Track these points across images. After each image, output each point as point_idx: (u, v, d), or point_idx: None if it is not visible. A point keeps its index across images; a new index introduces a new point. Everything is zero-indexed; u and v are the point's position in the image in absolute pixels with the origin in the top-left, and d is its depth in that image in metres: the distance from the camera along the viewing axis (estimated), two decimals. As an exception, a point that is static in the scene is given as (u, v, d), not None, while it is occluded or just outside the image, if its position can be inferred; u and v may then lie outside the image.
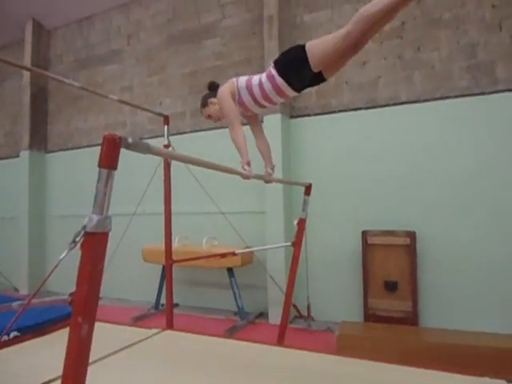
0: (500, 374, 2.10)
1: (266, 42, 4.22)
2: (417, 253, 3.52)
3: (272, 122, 4.09)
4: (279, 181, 2.89)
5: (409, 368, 2.26)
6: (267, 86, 2.02)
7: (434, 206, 3.61)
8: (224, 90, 2.16)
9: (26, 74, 5.87)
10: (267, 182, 2.41)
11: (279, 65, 1.96)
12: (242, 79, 2.18)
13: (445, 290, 3.53)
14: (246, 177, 2.06)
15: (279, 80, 1.96)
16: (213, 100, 2.27)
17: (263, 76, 2.05)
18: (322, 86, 4.15)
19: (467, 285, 3.45)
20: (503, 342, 2.68)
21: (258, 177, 2.23)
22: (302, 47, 1.83)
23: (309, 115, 4.22)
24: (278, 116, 4.06)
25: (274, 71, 1.97)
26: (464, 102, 3.56)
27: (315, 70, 1.85)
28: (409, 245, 3.49)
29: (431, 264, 3.58)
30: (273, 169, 2.40)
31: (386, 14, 1.59)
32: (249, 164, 2.08)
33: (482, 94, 3.50)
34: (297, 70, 1.89)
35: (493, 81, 3.48)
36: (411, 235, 3.50)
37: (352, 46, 1.72)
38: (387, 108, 3.87)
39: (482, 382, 2.03)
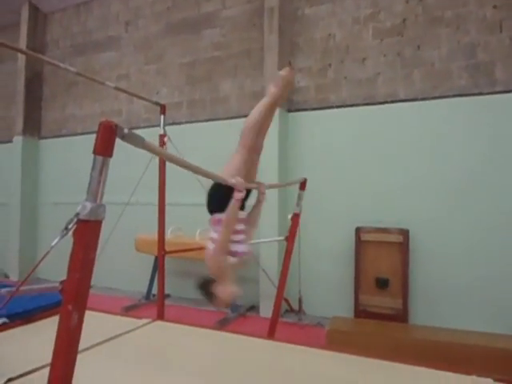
0: (487, 372, 2.12)
1: (266, 35, 4.18)
2: (409, 250, 3.54)
3: (269, 116, 4.06)
4: (272, 186, 2.67)
5: (397, 364, 2.27)
6: None
7: (428, 204, 3.62)
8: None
9: (21, 58, 5.77)
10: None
11: None
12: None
13: (435, 288, 3.56)
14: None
15: None
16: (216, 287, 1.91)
17: None
18: (321, 80, 4.16)
19: (457, 284, 3.48)
20: (491, 341, 2.72)
21: (251, 187, 2.03)
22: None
23: (307, 110, 4.20)
24: (276, 109, 4.03)
25: None
26: (462, 102, 3.56)
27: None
28: (401, 242, 3.51)
29: (423, 262, 3.60)
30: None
31: (264, 121, 1.95)
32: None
33: (481, 94, 3.50)
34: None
35: (491, 81, 3.48)
36: (404, 233, 3.52)
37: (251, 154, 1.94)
38: (385, 105, 3.86)
39: (469, 380, 2.04)
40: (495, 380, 2.03)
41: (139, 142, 1.09)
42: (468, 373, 2.11)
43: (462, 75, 3.58)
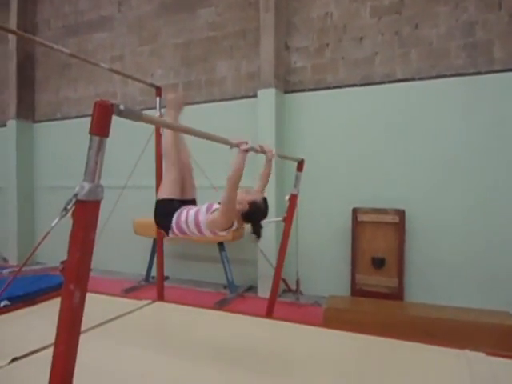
0: (480, 347, 2.18)
1: (262, 14, 4.10)
2: (405, 230, 3.58)
3: (266, 97, 4.03)
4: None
5: (392, 340, 2.33)
6: None
7: (424, 185, 3.64)
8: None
9: (12, 40, 5.64)
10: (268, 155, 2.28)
11: None
12: None
13: (430, 266, 3.61)
14: (244, 150, 1.86)
15: None
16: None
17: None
18: (318, 60, 4.11)
19: (451, 262, 3.53)
20: (483, 317, 2.78)
21: (255, 150, 2.08)
22: None
23: (303, 90, 4.16)
24: (273, 90, 4.00)
25: None
26: (460, 82, 3.54)
27: None
28: (397, 223, 3.55)
29: (418, 241, 3.65)
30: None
31: (175, 137, 2.11)
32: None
33: (478, 73, 3.48)
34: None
35: (489, 60, 3.45)
36: (400, 213, 3.55)
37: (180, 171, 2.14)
38: (383, 85, 3.83)
39: (462, 354, 2.10)
40: (487, 354, 2.09)
41: (137, 116, 1.09)
42: (461, 347, 2.17)
43: (460, 54, 3.55)
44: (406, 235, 3.61)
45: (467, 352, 2.12)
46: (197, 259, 4.71)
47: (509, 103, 3.38)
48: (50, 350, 1.09)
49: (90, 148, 1.00)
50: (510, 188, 3.36)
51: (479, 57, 3.48)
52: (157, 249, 3.40)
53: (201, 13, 4.68)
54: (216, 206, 1.95)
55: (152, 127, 3.18)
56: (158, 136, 3.24)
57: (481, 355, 2.09)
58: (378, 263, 3.60)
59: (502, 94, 3.40)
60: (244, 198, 1.94)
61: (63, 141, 5.62)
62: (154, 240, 4.09)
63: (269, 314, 2.99)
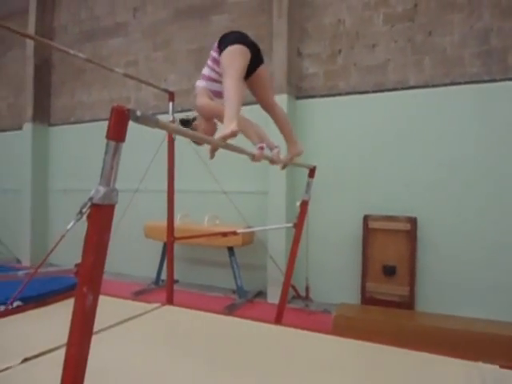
0: (493, 359, 2.14)
1: (275, 20, 4.13)
2: (417, 238, 3.54)
3: (278, 102, 4.04)
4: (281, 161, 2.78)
5: (402, 350, 2.30)
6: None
7: (437, 192, 3.60)
8: (198, 102, 2.15)
9: (30, 45, 5.77)
10: (273, 163, 2.36)
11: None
12: (199, 80, 2.25)
13: (442, 275, 3.56)
14: (257, 159, 1.92)
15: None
16: (196, 123, 2.19)
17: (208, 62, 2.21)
18: (330, 67, 4.11)
19: (464, 271, 3.48)
20: (497, 328, 2.73)
21: (269, 158, 2.17)
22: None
23: (315, 97, 4.16)
24: (285, 96, 4.01)
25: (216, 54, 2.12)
26: (474, 89, 3.51)
27: None
28: (409, 230, 3.51)
29: (430, 250, 3.60)
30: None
31: None
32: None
33: (493, 81, 3.44)
34: None
35: (504, 68, 3.41)
36: (412, 221, 3.52)
37: None
38: (395, 92, 3.81)
39: (476, 366, 2.06)
40: (501, 367, 2.05)
41: (153, 123, 1.11)
42: (475, 359, 2.12)
43: (475, 62, 3.52)
44: (418, 243, 3.57)
45: (480, 364, 2.08)
46: (206, 264, 4.72)
47: (524, 111, 3.34)
48: (61, 351, 1.10)
49: (106, 152, 1.02)
50: (525, 197, 3.31)
51: (494, 64, 3.45)
52: (167, 252, 3.42)
53: (214, 19, 4.73)
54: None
55: (164, 132, 3.21)
56: (171, 141, 3.27)
57: (495, 367, 2.04)
58: (389, 271, 3.57)
59: (517, 102, 3.36)
60: None
61: (77, 144, 5.70)
62: (165, 244, 4.11)
63: (278, 320, 2.98)
